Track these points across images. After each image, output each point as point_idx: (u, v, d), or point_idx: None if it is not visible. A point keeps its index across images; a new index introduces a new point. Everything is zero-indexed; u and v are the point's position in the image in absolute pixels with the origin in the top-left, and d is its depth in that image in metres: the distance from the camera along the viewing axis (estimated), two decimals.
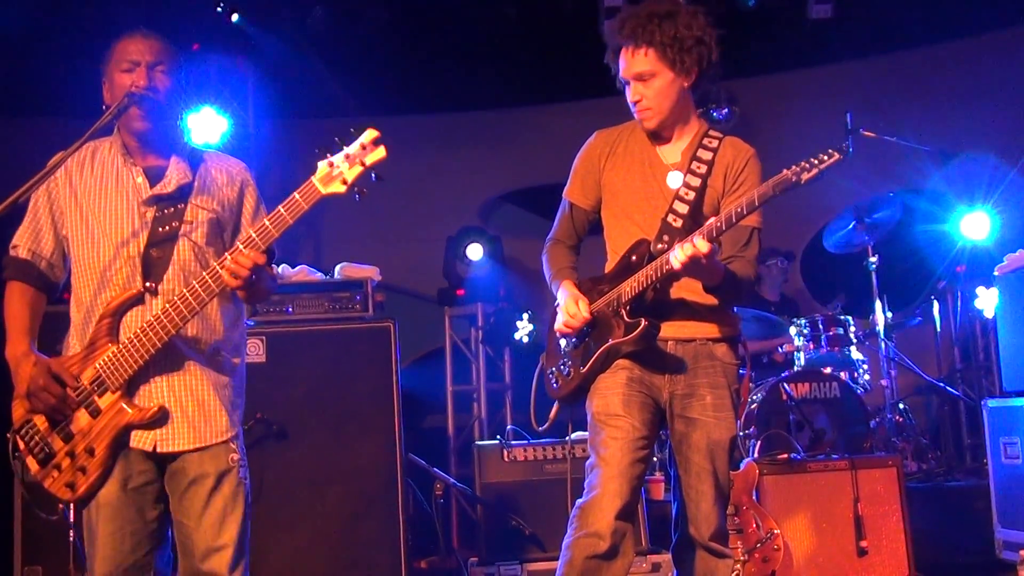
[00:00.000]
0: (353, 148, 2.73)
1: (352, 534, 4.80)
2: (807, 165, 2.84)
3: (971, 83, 8.01)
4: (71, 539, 4.52)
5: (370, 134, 2.74)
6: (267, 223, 2.77)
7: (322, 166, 2.74)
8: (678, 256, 2.96)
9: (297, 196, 2.76)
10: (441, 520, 5.54)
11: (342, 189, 2.73)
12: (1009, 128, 7.72)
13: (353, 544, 4.80)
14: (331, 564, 4.78)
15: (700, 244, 2.93)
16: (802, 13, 7.38)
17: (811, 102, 8.05)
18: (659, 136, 3.37)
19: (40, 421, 2.90)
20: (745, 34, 7.26)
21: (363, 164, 2.72)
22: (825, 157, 2.83)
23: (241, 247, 2.78)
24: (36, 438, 2.89)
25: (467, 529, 5.77)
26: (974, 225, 6.97)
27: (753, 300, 7.11)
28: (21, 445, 2.93)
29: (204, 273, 2.82)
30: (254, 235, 2.78)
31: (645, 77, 3.24)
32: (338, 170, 2.73)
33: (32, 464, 2.90)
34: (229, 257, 2.78)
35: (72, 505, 2.92)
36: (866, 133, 6.71)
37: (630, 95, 3.28)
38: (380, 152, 2.73)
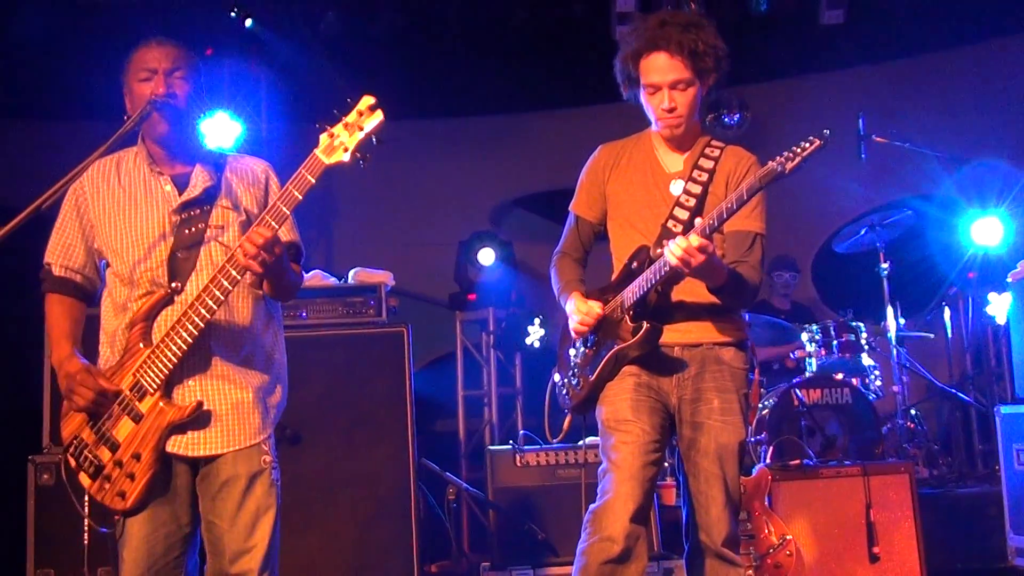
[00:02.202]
0: (351, 116, 2.75)
1: (365, 538, 4.83)
2: (790, 155, 2.85)
3: (983, 88, 8.00)
4: (85, 542, 4.56)
5: (366, 100, 2.76)
6: (278, 203, 2.79)
7: (323, 138, 2.76)
8: (673, 251, 2.97)
9: (303, 171, 2.77)
10: (453, 524, 5.55)
11: (345, 157, 2.74)
12: (1021, 133, 7.70)
13: (365, 548, 4.83)
14: (343, 567, 4.81)
15: (692, 239, 2.95)
16: (814, 18, 7.36)
17: (822, 108, 8.05)
18: (665, 144, 3.38)
19: (87, 435, 2.91)
20: (757, 39, 7.28)
21: (362, 129, 2.73)
22: (807, 145, 2.84)
23: (253, 227, 2.79)
24: (84, 452, 2.90)
25: (479, 534, 5.79)
26: (986, 231, 6.95)
27: (764, 308, 7.11)
28: (72, 463, 2.94)
29: (224, 262, 2.83)
30: (267, 217, 2.79)
31: (681, 86, 3.24)
32: (339, 140, 2.74)
33: (85, 479, 2.91)
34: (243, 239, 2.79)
35: (123, 515, 2.91)
36: (878, 139, 6.71)
37: (662, 101, 3.25)
38: (378, 116, 2.74)
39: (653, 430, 3.23)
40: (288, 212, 2.79)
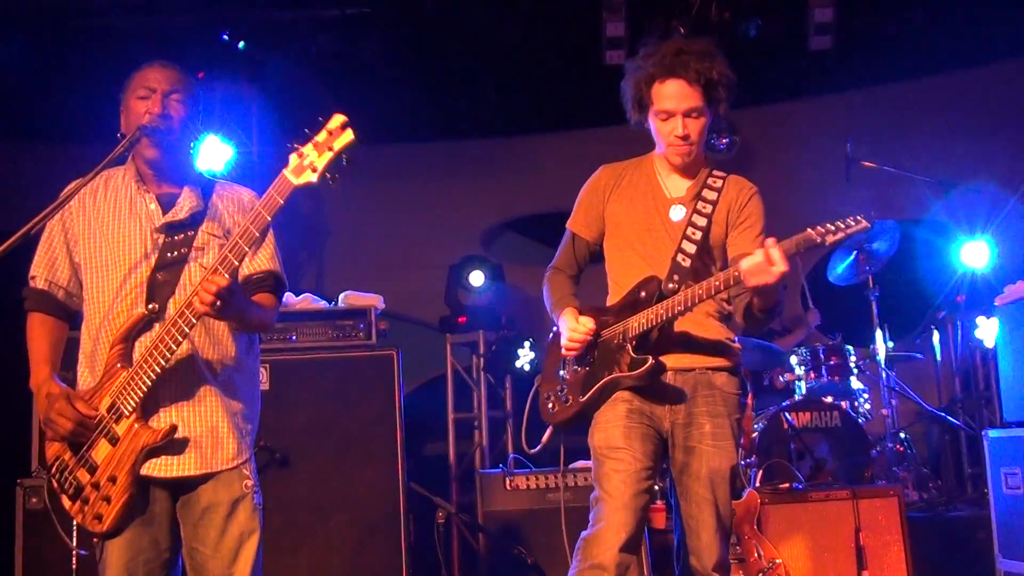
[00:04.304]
0: (321, 135, 2.71)
1: (354, 562, 4.81)
2: (832, 228, 2.88)
3: (971, 113, 8.05)
4: (73, 566, 4.53)
5: (337, 119, 2.72)
6: (248, 224, 2.75)
7: (293, 158, 2.73)
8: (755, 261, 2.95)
9: (272, 192, 2.74)
10: (443, 548, 5.53)
11: (313, 178, 2.70)
12: (1009, 158, 7.75)
13: (355, 572, 4.81)
14: None
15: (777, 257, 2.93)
16: (802, 44, 7.43)
17: (811, 132, 8.10)
18: (668, 168, 3.40)
19: (68, 458, 2.90)
20: (746, 64, 7.29)
21: (331, 149, 2.69)
22: (852, 223, 2.87)
23: (216, 268, 2.76)
24: (66, 474, 2.90)
25: (469, 558, 5.76)
26: (974, 255, 6.99)
27: None
28: (55, 484, 2.93)
29: (182, 306, 2.81)
30: (222, 260, 2.75)
31: (695, 114, 3.27)
32: (308, 159, 2.71)
33: (66, 501, 2.90)
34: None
35: (101, 538, 2.89)
36: (866, 164, 6.75)
37: (676, 128, 3.27)
38: (348, 136, 2.70)
39: (645, 457, 3.23)
40: (258, 233, 2.76)
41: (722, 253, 3.35)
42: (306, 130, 2.73)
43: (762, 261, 2.92)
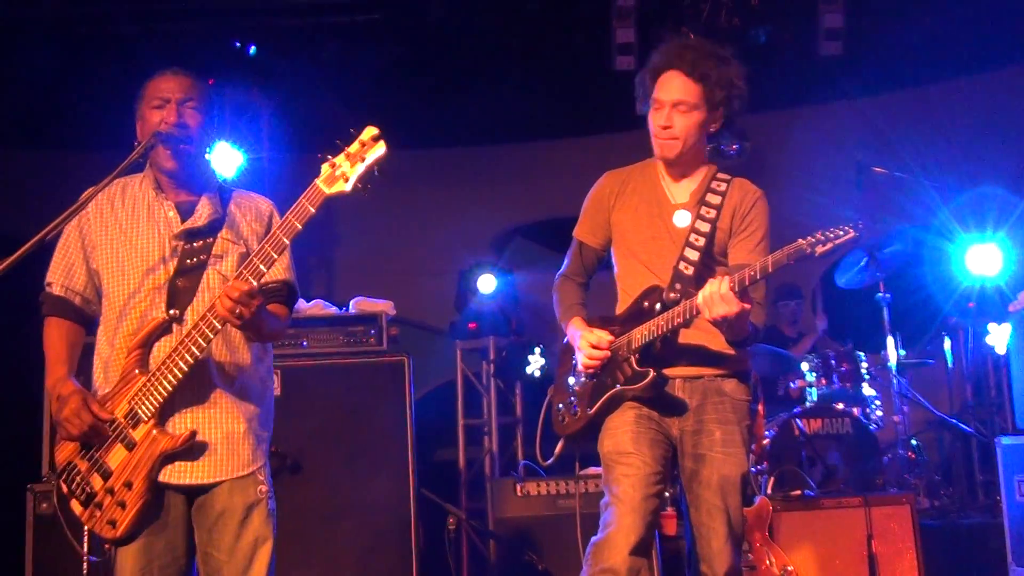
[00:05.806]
0: (353, 146, 2.75)
1: (365, 568, 4.80)
2: (822, 238, 2.87)
3: (980, 118, 8.04)
4: (84, 572, 4.53)
5: (369, 131, 2.76)
6: (278, 232, 2.79)
7: (325, 168, 2.76)
8: (708, 303, 2.97)
9: (303, 201, 2.78)
10: (453, 555, 5.53)
11: (346, 188, 2.74)
12: (1018, 163, 7.73)
13: None
14: None
15: (723, 286, 2.94)
16: (812, 50, 7.42)
17: (821, 138, 8.08)
18: (670, 173, 3.39)
19: (81, 462, 2.90)
20: (756, 70, 7.27)
21: (363, 160, 2.74)
22: (841, 233, 2.86)
23: (242, 273, 2.79)
24: (78, 479, 2.90)
25: (479, 564, 5.76)
26: (984, 261, 6.97)
27: (773, 334, 7.10)
28: (65, 489, 2.93)
29: (205, 311, 2.83)
30: (251, 263, 2.79)
31: (683, 108, 3.25)
32: (340, 170, 2.75)
33: (76, 506, 2.90)
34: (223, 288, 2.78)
35: (114, 544, 2.89)
36: (877, 170, 6.74)
37: (659, 119, 3.27)
38: (380, 147, 2.75)
39: (655, 462, 3.22)
40: (287, 242, 2.79)
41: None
42: (338, 141, 2.77)
43: (716, 291, 2.94)
